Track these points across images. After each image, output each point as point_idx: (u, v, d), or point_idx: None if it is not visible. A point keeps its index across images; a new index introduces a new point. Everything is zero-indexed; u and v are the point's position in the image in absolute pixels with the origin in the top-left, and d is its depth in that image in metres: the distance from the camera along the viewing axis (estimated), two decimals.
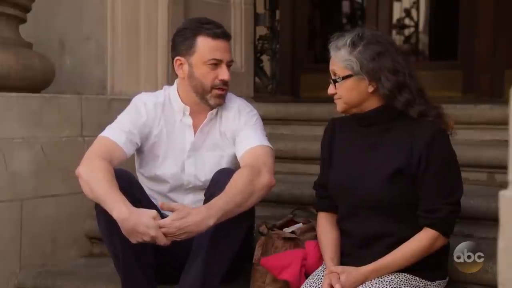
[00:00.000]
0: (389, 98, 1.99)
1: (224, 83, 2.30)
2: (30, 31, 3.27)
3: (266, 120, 3.48)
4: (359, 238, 2.03)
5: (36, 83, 3.03)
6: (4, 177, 2.71)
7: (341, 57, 2.00)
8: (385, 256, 1.96)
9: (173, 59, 2.35)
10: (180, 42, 2.31)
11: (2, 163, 2.70)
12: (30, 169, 2.80)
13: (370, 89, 2.00)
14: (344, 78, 2.00)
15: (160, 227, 1.97)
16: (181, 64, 2.32)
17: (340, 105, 2.06)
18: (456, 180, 2.01)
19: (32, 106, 2.83)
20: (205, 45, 2.27)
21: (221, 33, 2.29)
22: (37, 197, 2.84)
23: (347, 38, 2.00)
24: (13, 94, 2.79)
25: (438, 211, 1.94)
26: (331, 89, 2.06)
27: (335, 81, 2.02)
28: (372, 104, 2.03)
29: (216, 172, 2.26)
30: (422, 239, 1.95)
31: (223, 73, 2.28)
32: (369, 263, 1.96)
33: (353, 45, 1.98)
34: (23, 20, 3.14)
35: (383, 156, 2.01)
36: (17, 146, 2.76)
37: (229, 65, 2.31)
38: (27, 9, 3.13)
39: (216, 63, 2.28)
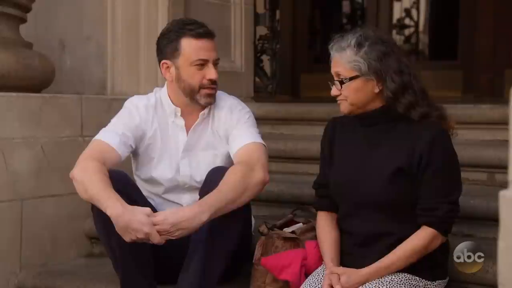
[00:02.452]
0: (391, 100, 1.98)
1: (212, 82, 2.29)
2: (30, 31, 3.27)
3: (266, 120, 3.50)
4: (360, 237, 2.03)
5: (36, 83, 3.03)
6: (4, 177, 2.71)
7: (347, 58, 1.98)
8: (384, 257, 1.96)
9: (159, 62, 2.34)
10: (165, 46, 2.30)
11: (2, 163, 2.70)
12: (30, 169, 2.80)
13: (377, 89, 1.99)
14: (351, 79, 1.99)
15: (154, 225, 1.97)
16: (167, 67, 2.31)
17: (345, 107, 2.04)
18: (456, 180, 2.01)
19: (32, 106, 2.83)
20: (189, 47, 2.26)
21: (204, 33, 2.28)
22: (37, 197, 2.84)
23: (351, 39, 1.98)
24: (13, 94, 2.79)
25: (437, 210, 1.94)
26: (334, 91, 2.03)
27: (341, 82, 2.00)
28: (376, 104, 2.03)
29: (210, 170, 2.26)
30: (420, 238, 1.95)
31: (210, 73, 2.28)
32: (370, 262, 1.96)
33: (359, 45, 1.97)
34: (23, 20, 3.14)
35: (385, 155, 2.01)
36: (17, 146, 2.76)
37: (215, 63, 2.30)
38: (27, 9, 3.13)
39: (203, 63, 2.27)
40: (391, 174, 1.96)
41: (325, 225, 2.13)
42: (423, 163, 1.95)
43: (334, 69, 2.03)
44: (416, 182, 1.97)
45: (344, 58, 1.99)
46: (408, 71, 1.99)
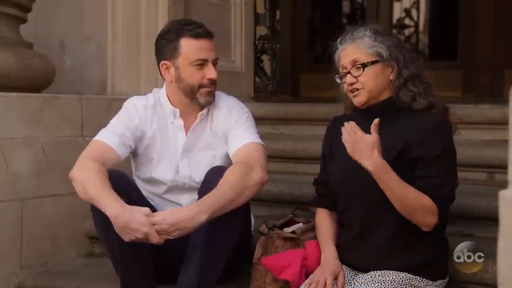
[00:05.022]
0: (400, 89, 2.00)
1: (212, 82, 2.30)
2: (30, 31, 3.27)
3: (266, 120, 3.50)
4: (359, 229, 2.03)
5: (36, 83, 3.04)
6: (4, 177, 2.71)
7: (366, 45, 2.01)
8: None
9: (158, 63, 2.34)
10: (164, 46, 2.30)
11: (3, 163, 2.70)
12: (30, 169, 2.80)
13: (391, 77, 2.01)
14: (372, 63, 2.00)
15: (153, 225, 1.97)
16: (167, 68, 2.31)
17: (362, 96, 2.03)
18: (455, 169, 2.02)
19: (32, 106, 2.83)
20: (189, 46, 2.27)
21: (203, 33, 2.29)
22: (37, 197, 2.84)
23: (365, 30, 2.03)
24: (13, 94, 2.79)
25: (445, 187, 1.94)
26: (350, 79, 2.02)
27: (364, 65, 2.00)
28: (385, 95, 2.05)
29: (208, 170, 2.26)
30: (422, 197, 1.91)
31: (210, 72, 2.28)
32: (369, 255, 1.98)
33: (375, 34, 2.02)
34: (24, 20, 3.14)
35: (386, 143, 1.99)
36: (17, 146, 2.76)
37: (215, 63, 2.31)
38: (27, 9, 3.13)
39: (202, 63, 2.28)
40: (391, 161, 1.95)
41: (325, 220, 2.16)
42: (427, 147, 1.94)
43: (348, 58, 2.03)
44: (415, 169, 1.95)
45: (363, 45, 2.01)
46: (418, 62, 2.05)
